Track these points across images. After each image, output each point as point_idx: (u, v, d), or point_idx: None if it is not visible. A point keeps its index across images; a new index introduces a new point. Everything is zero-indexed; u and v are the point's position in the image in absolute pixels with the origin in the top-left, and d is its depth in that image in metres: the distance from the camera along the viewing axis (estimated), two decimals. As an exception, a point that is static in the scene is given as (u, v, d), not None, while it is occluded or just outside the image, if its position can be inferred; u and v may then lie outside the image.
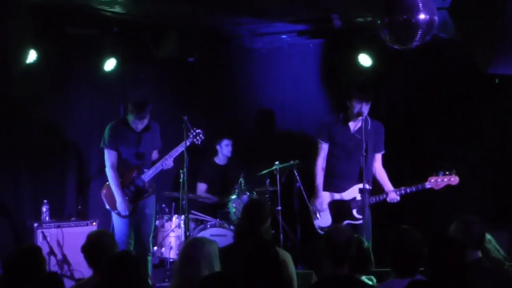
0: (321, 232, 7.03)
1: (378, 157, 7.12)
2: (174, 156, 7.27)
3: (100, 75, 8.21)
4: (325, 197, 7.07)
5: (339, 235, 4.33)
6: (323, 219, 7.08)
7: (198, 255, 4.27)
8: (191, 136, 7.24)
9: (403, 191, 6.85)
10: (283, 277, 4.01)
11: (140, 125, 7.16)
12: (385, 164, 7.15)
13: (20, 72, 7.25)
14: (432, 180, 6.75)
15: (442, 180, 6.75)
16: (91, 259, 4.63)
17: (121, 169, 7.22)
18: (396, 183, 6.98)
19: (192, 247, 4.38)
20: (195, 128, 7.26)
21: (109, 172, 7.18)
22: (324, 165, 7.10)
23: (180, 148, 7.22)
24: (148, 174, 7.25)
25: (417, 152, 8.17)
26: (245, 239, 4.72)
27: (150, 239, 7.37)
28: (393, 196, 6.86)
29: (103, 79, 8.29)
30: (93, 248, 4.63)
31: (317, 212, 7.08)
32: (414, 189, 6.81)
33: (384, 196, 6.88)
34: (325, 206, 7.07)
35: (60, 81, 8.16)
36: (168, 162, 7.25)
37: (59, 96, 8.18)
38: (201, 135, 7.36)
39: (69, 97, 8.31)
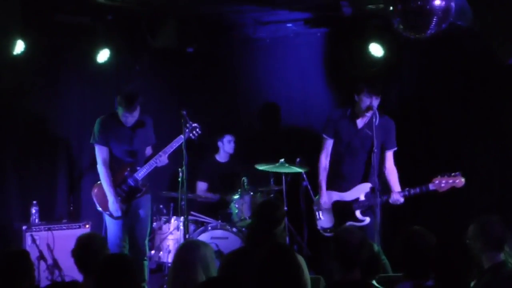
0: (324, 234, 7.11)
1: (389, 155, 7.12)
2: (169, 153, 7.26)
3: (93, 66, 8.20)
4: (328, 196, 7.12)
5: (350, 236, 4.30)
6: (325, 220, 7.14)
7: (194, 258, 4.26)
8: (187, 130, 7.18)
9: (406, 193, 6.85)
10: (302, 284, 3.92)
11: (130, 119, 7.15)
12: (397, 163, 7.17)
13: (6, 63, 7.28)
14: (436, 182, 6.76)
15: (447, 182, 6.76)
16: (81, 263, 4.65)
17: (112, 167, 7.22)
18: (408, 184, 6.98)
19: (186, 250, 4.36)
20: (191, 122, 7.22)
21: (100, 169, 7.18)
22: (328, 162, 7.13)
23: (175, 143, 7.21)
24: (142, 172, 7.24)
25: (431, 150, 8.10)
26: (259, 243, 4.69)
27: (146, 242, 7.37)
28: (396, 197, 6.85)
29: (96, 71, 8.28)
30: (83, 251, 4.64)
31: (319, 212, 7.13)
32: (418, 190, 6.82)
33: (386, 197, 6.87)
34: (328, 205, 7.11)
35: (50, 73, 8.15)
36: (162, 159, 7.24)
37: (48, 89, 8.18)
38: (197, 130, 7.31)
39: (59, 91, 8.30)
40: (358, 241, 4.27)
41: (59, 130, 8.28)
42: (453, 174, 6.74)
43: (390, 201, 6.85)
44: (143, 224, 7.34)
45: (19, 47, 7.26)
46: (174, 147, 7.23)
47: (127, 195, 7.26)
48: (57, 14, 7.79)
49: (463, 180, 6.74)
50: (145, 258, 7.33)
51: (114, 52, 8.18)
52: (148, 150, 7.51)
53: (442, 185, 6.74)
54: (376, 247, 4.80)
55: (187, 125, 7.16)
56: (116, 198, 7.12)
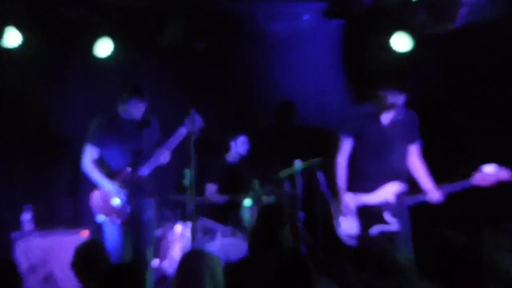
0: (348, 241, 6.98)
1: (414, 149, 7.02)
2: (172, 148, 7.14)
3: (96, 62, 8.22)
4: (350, 200, 6.99)
5: (373, 246, 4.49)
6: (349, 226, 7.00)
7: (200, 267, 4.21)
8: (189, 124, 7.06)
9: (445, 190, 6.69)
10: None
11: (141, 108, 7.09)
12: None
13: (4, 58, 7.26)
14: (478, 176, 6.58)
15: (491, 175, 6.56)
16: (81, 274, 4.60)
17: (113, 168, 7.13)
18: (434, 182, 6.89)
19: (192, 259, 4.32)
20: (192, 114, 7.10)
21: (89, 166, 7.09)
22: (347, 163, 7.03)
23: (178, 137, 7.10)
24: (143, 173, 7.12)
25: (459, 148, 8.03)
26: (262, 249, 4.69)
27: (151, 251, 7.22)
28: (434, 195, 6.70)
29: (99, 67, 8.29)
30: (83, 263, 4.61)
31: (341, 218, 7.01)
32: (457, 187, 6.65)
33: (423, 196, 6.74)
34: (352, 210, 6.98)
35: (49, 69, 8.14)
36: (164, 155, 7.10)
37: (47, 85, 8.18)
38: (199, 121, 7.17)
39: (59, 87, 8.28)
40: (382, 250, 4.42)
41: (58, 129, 8.29)
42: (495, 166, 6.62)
43: (428, 199, 6.72)
44: (146, 230, 7.19)
45: (16, 39, 7.19)
46: (177, 142, 7.13)
47: (131, 195, 7.09)
48: (60, 7, 7.85)
49: (510, 172, 6.56)
50: (149, 268, 7.20)
51: (119, 48, 8.25)
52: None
53: (486, 179, 6.55)
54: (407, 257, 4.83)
55: (188, 117, 7.05)
56: (119, 185, 7.01)
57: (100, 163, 7.12)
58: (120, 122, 7.13)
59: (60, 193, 8.17)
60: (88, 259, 4.59)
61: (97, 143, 7.09)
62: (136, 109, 7.07)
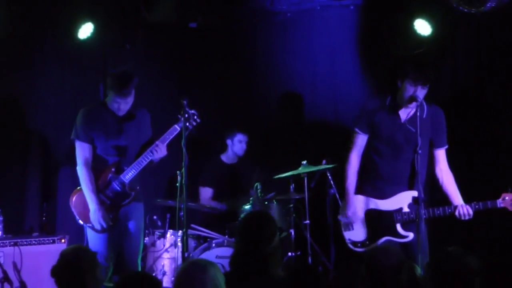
0: (353, 248, 7.00)
1: (441, 155, 6.99)
2: (167, 142, 7.13)
3: (73, 44, 8.11)
4: (359, 203, 6.99)
5: (385, 258, 4.25)
6: (356, 231, 7.01)
7: (201, 279, 4.12)
8: (182, 118, 7.03)
9: (475, 206, 6.74)
10: None
11: (123, 106, 7.07)
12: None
13: None
14: (507, 198, 6.64)
15: None
16: (63, 284, 4.51)
17: (95, 168, 7.15)
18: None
19: (192, 271, 4.20)
20: (188, 109, 7.07)
21: (81, 171, 7.10)
22: (359, 162, 7.01)
23: (174, 131, 7.10)
24: (130, 174, 7.14)
25: (491, 151, 7.93)
26: (245, 269, 4.61)
27: (138, 261, 7.27)
28: (465, 211, 6.71)
29: (77, 50, 8.20)
30: (68, 270, 4.53)
31: (347, 223, 7.00)
32: (481, 206, 6.71)
33: (452, 209, 6.75)
34: (359, 215, 6.98)
35: (21, 52, 8.08)
36: (159, 149, 7.07)
37: (19, 71, 8.13)
38: (195, 117, 7.17)
39: (32, 73, 8.22)
40: (394, 263, 4.23)
41: (31, 122, 8.27)
42: None
43: (457, 214, 6.72)
44: (133, 239, 7.24)
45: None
46: (174, 135, 7.10)
47: (113, 203, 7.14)
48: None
49: None
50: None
51: (100, 26, 8.14)
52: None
53: None
54: (419, 271, 4.66)
55: (183, 112, 7.01)
56: (99, 206, 7.03)
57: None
58: (105, 113, 7.13)
59: (31, 196, 8.12)
60: (75, 267, 4.48)
61: (86, 139, 7.09)
62: (118, 105, 7.06)
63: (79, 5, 7.97)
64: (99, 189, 7.09)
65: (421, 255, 6.35)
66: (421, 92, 6.63)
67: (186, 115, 7.06)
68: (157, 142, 7.12)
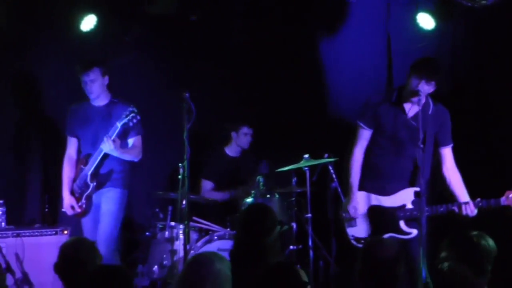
0: (356, 244, 7.03)
1: (447, 153, 7.03)
2: (112, 137, 7.29)
3: (75, 36, 8.21)
4: (361, 200, 7.04)
5: (382, 250, 4.33)
6: (359, 228, 7.06)
7: (206, 275, 4.20)
8: (130, 116, 7.29)
9: (479, 204, 6.76)
10: None
11: (89, 85, 7.39)
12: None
13: None
14: (511, 196, 6.68)
15: None
16: (67, 278, 4.61)
17: (78, 159, 7.64)
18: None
19: (197, 266, 4.29)
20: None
21: (63, 162, 7.64)
22: (363, 157, 7.04)
23: (115, 128, 7.29)
24: (90, 166, 7.47)
25: (493, 148, 8.01)
26: (244, 260, 4.72)
27: (112, 248, 7.46)
28: (470, 208, 6.75)
29: (79, 42, 8.27)
30: (69, 264, 4.63)
31: (350, 219, 7.05)
32: (485, 203, 6.75)
33: (455, 207, 6.79)
34: (361, 211, 7.03)
35: (21, 45, 8.19)
36: (105, 144, 7.29)
37: (19, 65, 8.25)
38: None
39: (33, 66, 8.37)
40: (391, 255, 4.30)
41: (32, 115, 8.34)
42: None
43: (463, 212, 6.74)
44: (104, 224, 7.50)
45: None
46: (114, 133, 7.31)
47: (82, 192, 7.56)
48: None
49: None
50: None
51: (101, 19, 8.19)
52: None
53: None
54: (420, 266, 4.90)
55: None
56: (68, 195, 7.53)
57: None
58: (86, 106, 7.49)
59: (33, 188, 8.25)
60: (75, 259, 4.62)
61: (72, 133, 7.56)
62: (86, 87, 7.37)
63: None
64: (74, 180, 7.57)
65: (421, 251, 6.34)
66: (424, 87, 6.64)
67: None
68: (104, 137, 7.29)
